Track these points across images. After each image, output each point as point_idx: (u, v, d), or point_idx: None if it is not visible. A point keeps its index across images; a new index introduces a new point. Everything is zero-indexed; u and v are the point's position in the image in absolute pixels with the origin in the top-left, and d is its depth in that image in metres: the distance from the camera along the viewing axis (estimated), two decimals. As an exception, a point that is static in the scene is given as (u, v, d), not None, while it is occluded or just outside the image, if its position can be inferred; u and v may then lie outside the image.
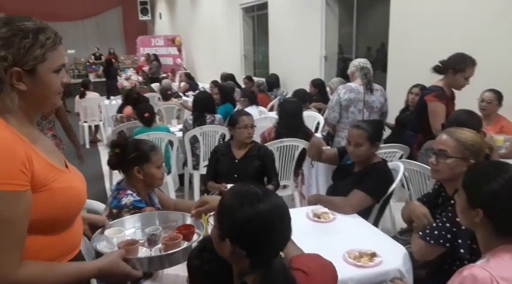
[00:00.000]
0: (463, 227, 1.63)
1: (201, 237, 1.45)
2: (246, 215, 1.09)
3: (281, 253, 1.19)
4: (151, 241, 1.48)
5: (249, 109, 4.42)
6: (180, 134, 4.50)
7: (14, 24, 1.08)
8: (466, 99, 3.26)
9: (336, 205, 2.37)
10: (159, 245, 1.46)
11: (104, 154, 6.33)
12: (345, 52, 6.41)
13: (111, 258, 1.23)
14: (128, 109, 4.97)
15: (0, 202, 1.01)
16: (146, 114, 4.20)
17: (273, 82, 6.97)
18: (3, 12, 14.41)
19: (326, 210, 2.35)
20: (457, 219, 1.51)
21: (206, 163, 3.59)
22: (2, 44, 1.06)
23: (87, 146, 7.22)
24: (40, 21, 1.14)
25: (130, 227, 1.61)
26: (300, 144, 3.54)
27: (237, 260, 1.14)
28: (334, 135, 3.69)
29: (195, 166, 4.26)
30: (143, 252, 1.43)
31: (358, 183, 2.42)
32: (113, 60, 12.52)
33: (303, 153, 3.60)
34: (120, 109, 5.32)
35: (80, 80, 9.79)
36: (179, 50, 12.37)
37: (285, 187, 3.64)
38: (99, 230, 1.47)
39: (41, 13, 13.92)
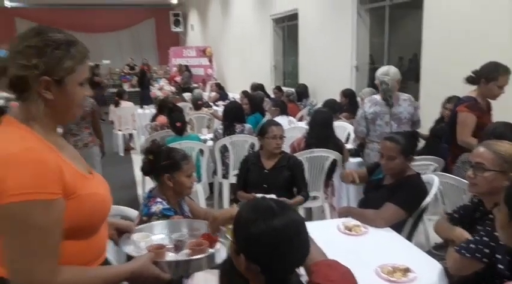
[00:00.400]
0: (501, 242, 1.56)
1: (224, 246, 1.47)
2: (260, 230, 1.08)
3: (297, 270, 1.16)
4: (177, 247, 1.51)
5: (278, 119, 4.43)
6: (210, 143, 4.56)
7: (45, 35, 1.11)
8: (505, 110, 3.14)
9: (368, 218, 2.32)
10: (185, 251, 1.49)
11: (137, 162, 6.47)
12: (377, 62, 6.33)
13: (142, 261, 1.25)
14: (162, 118, 5.08)
15: (34, 211, 1.03)
16: (178, 124, 4.28)
17: (303, 92, 6.96)
18: (33, 21, 15.14)
19: (358, 222, 2.30)
20: (496, 234, 1.45)
21: (235, 172, 3.61)
22: (35, 52, 1.08)
23: (121, 154, 7.40)
24: (69, 34, 1.17)
25: (156, 233, 1.64)
26: (330, 154, 3.51)
27: (252, 276, 1.12)
28: (365, 147, 3.64)
29: (225, 175, 4.28)
30: (170, 257, 1.45)
31: (391, 196, 2.36)
32: (146, 71, 12.85)
33: (333, 164, 3.56)
34: (153, 118, 5.44)
35: (115, 90, 10.08)
36: (210, 61, 12.57)
37: (314, 198, 3.60)
38: (126, 234, 1.50)
39: (78, 25, 14.54)
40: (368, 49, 6.42)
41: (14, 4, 15.02)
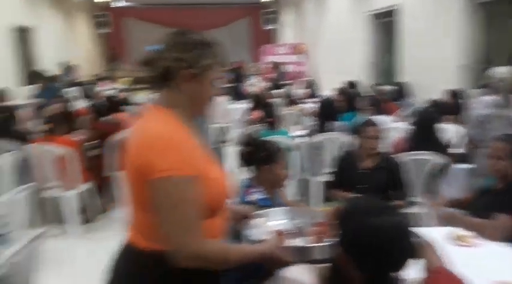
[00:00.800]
0: None
1: None
2: (360, 226, 1.09)
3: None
4: (296, 233, 1.59)
5: (375, 118, 4.25)
6: (300, 139, 4.53)
7: (189, 35, 1.29)
8: None
9: (478, 228, 2.10)
10: (304, 237, 1.57)
11: (230, 154, 6.67)
12: (488, 61, 5.76)
13: (270, 244, 1.35)
14: (256, 113, 5.19)
15: (180, 185, 1.15)
16: (270, 119, 4.36)
17: (401, 91, 6.60)
18: (139, 19, 16.35)
19: (467, 232, 2.10)
20: None
21: (327, 170, 3.54)
22: (182, 48, 1.25)
23: (215, 146, 7.69)
24: (209, 36, 1.32)
25: (274, 219, 1.72)
26: (434, 157, 3.26)
27: (350, 271, 1.11)
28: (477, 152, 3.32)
29: (316, 173, 4.22)
30: (291, 242, 1.51)
31: (499, 201, 2.16)
32: (240, 68, 13.18)
33: (437, 168, 3.31)
34: (248, 113, 5.58)
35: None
36: (303, 58, 12.53)
37: (414, 203, 3.37)
38: (247, 219, 1.62)
39: (174, 23, 15.41)
40: (478, 47, 5.88)
41: (120, 4, 16.32)
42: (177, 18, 16.44)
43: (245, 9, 18.13)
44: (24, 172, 3.77)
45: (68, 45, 12.74)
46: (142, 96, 7.66)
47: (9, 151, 3.77)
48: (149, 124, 1.24)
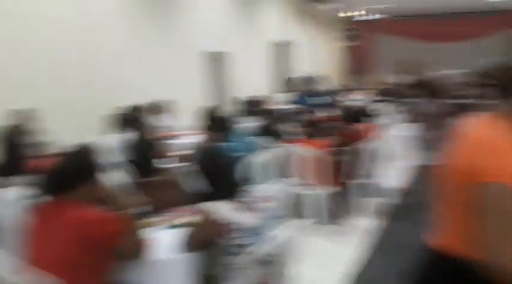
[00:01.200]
0: None
1: None
2: None
3: None
4: None
5: None
6: None
7: None
8: None
9: None
10: None
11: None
12: None
13: None
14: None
15: (508, 194, 1.10)
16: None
17: None
18: (385, 32, 16.18)
19: None
20: None
21: None
22: None
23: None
24: None
25: None
26: None
27: None
28: None
29: None
30: None
31: None
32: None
33: None
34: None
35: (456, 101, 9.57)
36: None
37: None
38: None
39: (423, 35, 14.77)
40: None
41: (368, 17, 16.45)
42: (427, 29, 15.70)
43: (507, 17, 15.70)
44: (281, 167, 4.29)
45: (317, 57, 13.89)
46: (385, 108, 7.62)
47: (270, 148, 4.35)
48: (484, 130, 1.27)
